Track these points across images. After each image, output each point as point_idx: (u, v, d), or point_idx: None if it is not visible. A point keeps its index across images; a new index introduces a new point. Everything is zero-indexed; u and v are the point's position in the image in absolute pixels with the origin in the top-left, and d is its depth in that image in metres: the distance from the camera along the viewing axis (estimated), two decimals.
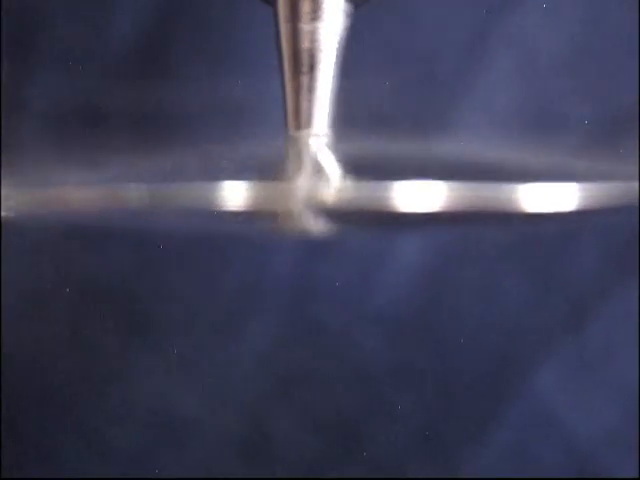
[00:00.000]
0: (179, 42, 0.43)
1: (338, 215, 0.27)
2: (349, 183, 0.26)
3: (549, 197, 0.25)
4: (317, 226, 0.27)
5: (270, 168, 0.28)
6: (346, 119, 0.28)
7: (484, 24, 0.43)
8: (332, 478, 0.45)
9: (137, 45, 0.44)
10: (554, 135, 0.43)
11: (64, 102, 0.44)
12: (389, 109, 0.43)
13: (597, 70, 0.43)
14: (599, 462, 0.45)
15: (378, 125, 0.42)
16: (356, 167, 0.27)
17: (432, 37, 0.43)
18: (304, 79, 0.27)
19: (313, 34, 0.27)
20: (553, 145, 0.43)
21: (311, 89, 0.27)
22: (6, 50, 0.43)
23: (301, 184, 0.26)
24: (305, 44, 0.27)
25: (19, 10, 0.43)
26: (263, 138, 0.29)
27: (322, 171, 0.27)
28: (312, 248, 0.44)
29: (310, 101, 0.27)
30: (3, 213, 0.29)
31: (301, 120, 0.27)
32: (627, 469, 0.44)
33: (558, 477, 0.45)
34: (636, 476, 0.44)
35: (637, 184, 0.27)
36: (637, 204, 0.27)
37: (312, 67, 0.27)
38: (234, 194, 0.25)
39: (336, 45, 0.27)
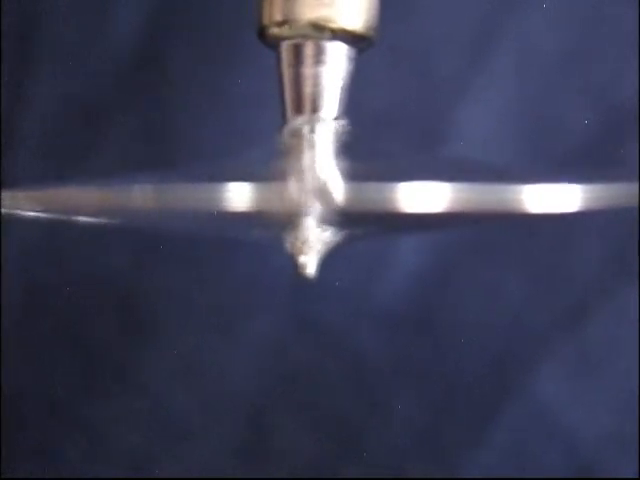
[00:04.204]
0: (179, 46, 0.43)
1: (340, 216, 0.27)
2: (351, 185, 0.26)
3: (551, 198, 0.25)
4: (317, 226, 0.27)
5: (271, 171, 0.27)
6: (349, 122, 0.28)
7: (484, 25, 0.42)
8: (332, 478, 0.45)
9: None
10: (555, 137, 0.42)
11: (63, 103, 0.44)
12: (392, 111, 0.42)
13: (597, 71, 0.42)
14: (599, 462, 0.45)
15: (381, 127, 0.42)
16: (358, 170, 0.27)
17: (432, 38, 0.43)
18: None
19: (316, 78, 0.26)
20: (554, 147, 0.43)
21: (313, 130, 0.26)
22: (6, 50, 0.43)
23: (302, 186, 0.26)
24: (308, 88, 0.26)
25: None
26: (265, 141, 0.29)
27: (323, 173, 0.26)
28: None
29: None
30: (4, 212, 0.28)
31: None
32: (627, 469, 0.44)
33: (558, 477, 0.45)
34: (636, 476, 0.44)
35: (637, 185, 0.26)
36: (637, 205, 0.27)
37: (315, 111, 0.26)
38: (235, 195, 0.25)
39: (339, 89, 0.26)
